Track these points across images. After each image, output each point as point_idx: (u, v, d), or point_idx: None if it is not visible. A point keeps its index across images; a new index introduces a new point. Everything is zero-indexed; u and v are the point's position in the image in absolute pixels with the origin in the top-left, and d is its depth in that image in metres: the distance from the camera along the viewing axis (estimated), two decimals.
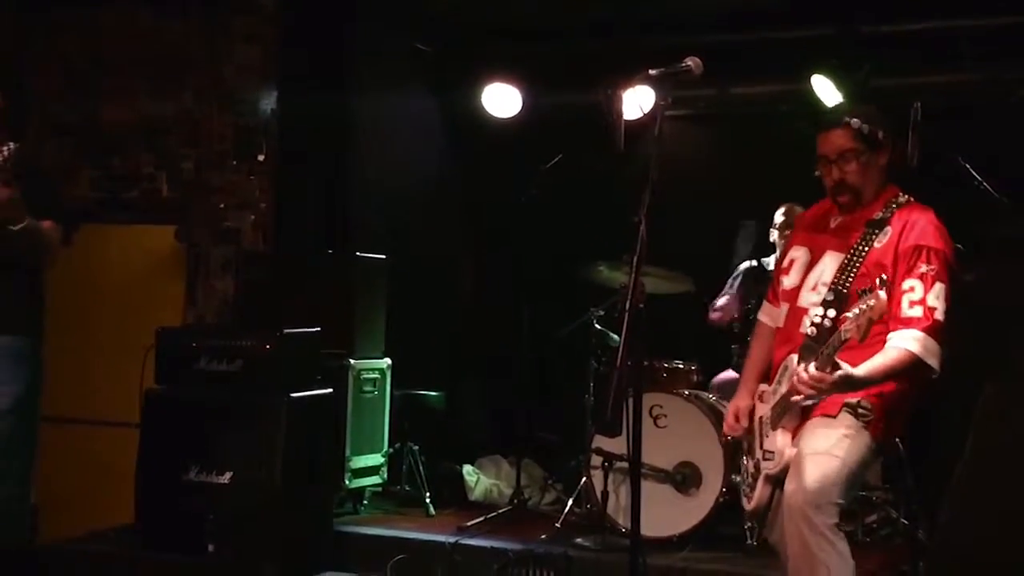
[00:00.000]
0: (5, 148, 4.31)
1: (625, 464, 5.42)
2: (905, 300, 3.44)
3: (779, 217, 6.12)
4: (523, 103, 6.99)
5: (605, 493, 5.45)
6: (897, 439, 5.65)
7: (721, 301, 6.26)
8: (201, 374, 5.34)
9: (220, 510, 5.12)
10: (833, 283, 3.56)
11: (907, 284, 3.45)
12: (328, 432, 5.64)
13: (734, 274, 6.37)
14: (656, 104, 3.24)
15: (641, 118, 6.52)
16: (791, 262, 3.82)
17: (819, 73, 6.44)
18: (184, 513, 5.17)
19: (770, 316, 3.98)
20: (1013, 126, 6.08)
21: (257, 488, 5.11)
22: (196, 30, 6.75)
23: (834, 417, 3.55)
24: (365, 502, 6.20)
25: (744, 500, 3.85)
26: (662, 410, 5.47)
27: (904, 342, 3.42)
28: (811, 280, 3.67)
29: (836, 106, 3.71)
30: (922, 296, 3.43)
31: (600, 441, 5.50)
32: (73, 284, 6.34)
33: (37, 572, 5.06)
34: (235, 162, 6.71)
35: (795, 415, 3.61)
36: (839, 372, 3.32)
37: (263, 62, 6.65)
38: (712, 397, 5.72)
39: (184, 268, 6.80)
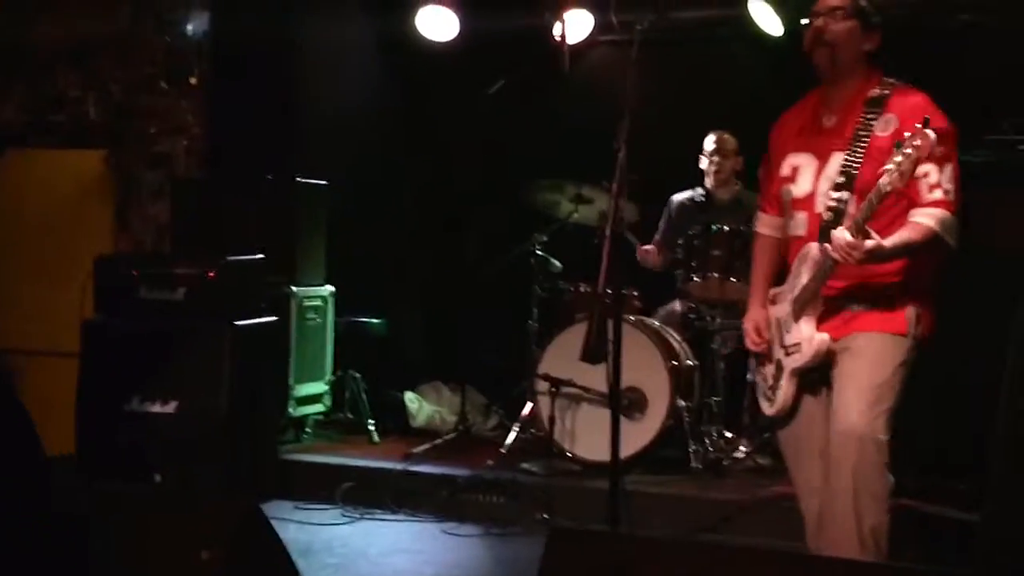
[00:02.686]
0: None
1: (571, 389, 5.47)
2: (923, 185, 3.45)
3: (709, 144, 6.11)
4: (460, 27, 6.88)
5: (552, 418, 5.47)
6: None
7: (646, 247, 6.21)
8: (142, 303, 5.26)
9: (165, 439, 5.07)
10: (842, 169, 3.55)
11: (920, 169, 3.38)
12: (273, 360, 5.59)
13: (666, 207, 6.34)
14: (633, 29, 3.15)
15: (580, 42, 6.51)
16: (794, 169, 3.73)
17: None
18: (127, 443, 5.11)
19: (771, 227, 3.92)
20: (952, 53, 6.10)
21: (202, 417, 5.07)
22: None
23: (903, 337, 3.55)
24: (308, 430, 6.17)
25: (765, 404, 3.81)
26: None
27: (927, 219, 3.44)
28: (823, 185, 3.62)
29: None
30: (937, 180, 3.45)
31: (546, 366, 5.53)
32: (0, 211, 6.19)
33: None
34: (166, 85, 6.54)
35: (819, 302, 3.59)
36: (870, 242, 3.33)
37: None
38: (656, 324, 5.75)
39: (114, 194, 6.65)
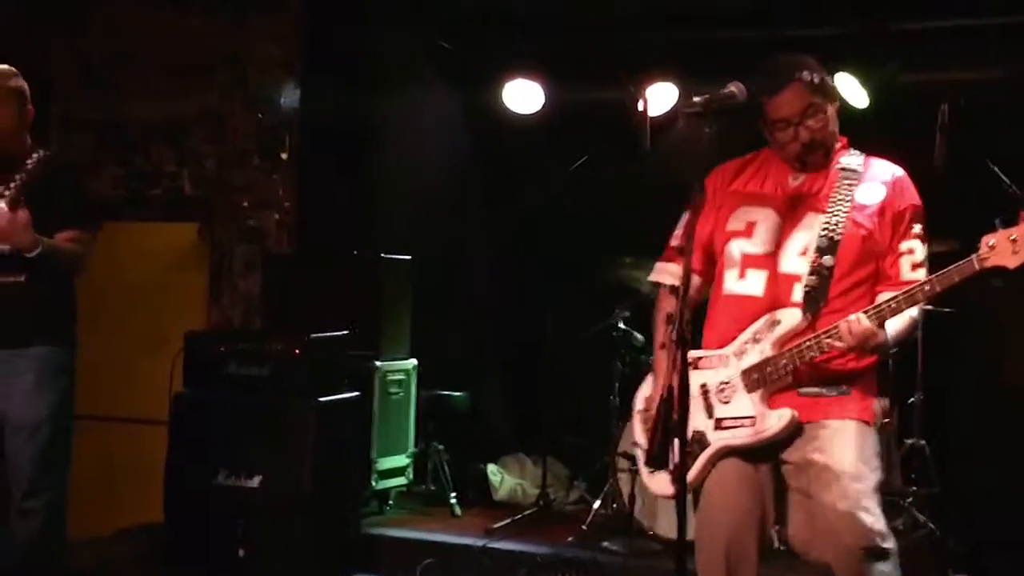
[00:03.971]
0: (30, 160, 4.33)
1: None
2: (906, 262, 3.38)
3: None
4: (545, 99, 6.95)
5: (632, 496, 5.46)
6: (923, 442, 5.71)
7: None
8: (230, 378, 5.37)
9: (249, 514, 5.15)
10: (823, 233, 3.37)
11: (905, 245, 3.38)
12: (356, 435, 5.66)
13: None
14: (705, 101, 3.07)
15: (664, 115, 6.53)
16: (750, 224, 3.49)
17: (844, 71, 6.39)
18: (213, 517, 5.20)
19: (676, 276, 3.54)
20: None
21: (286, 492, 5.13)
22: (220, 27, 6.74)
23: (869, 425, 3.37)
24: (391, 502, 6.22)
25: (661, 478, 3.45)
26: None
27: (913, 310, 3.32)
28: (794, 246, 3.42)
29: (772, 64, 3.41)
30: (922, 259, 3.39)
31: (626, 444, 5.52)
32: (96, 282, 6.35)
33: None
34: (258, 160, 6.71)
35: (783, 382, 3.34)
36: (884, 332, 3.23)
37: (287, 60, 6.66)
38: None
39: (207, 266, 6.81)
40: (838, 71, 6.32)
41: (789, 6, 6.62)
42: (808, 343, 3.30)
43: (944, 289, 3.18)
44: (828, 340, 3.25)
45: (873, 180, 3.45)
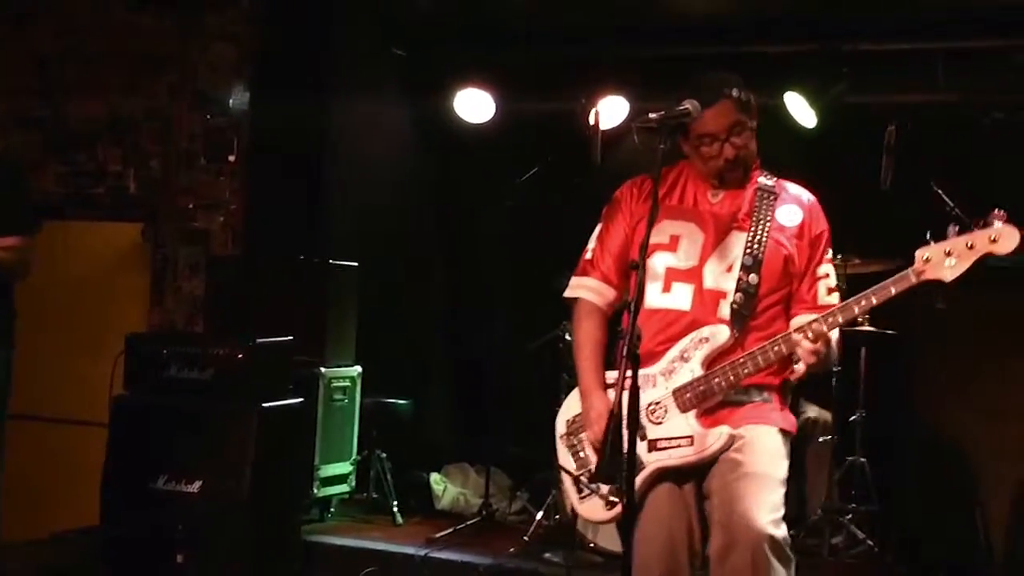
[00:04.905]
0: None
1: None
2: (822, 286, 3.44)
3: None
4: (496, 109, 6.95)
5: (574, 509, 5.43)
6: (864, 460, 5.76)
7: None
8: (171, 381, 5.29)
9: (188, 520, 5.08)
10: (747, 251, 3.39)
11: (822, 270, 3.44)
12: (298, 442, 5.61)
13: None
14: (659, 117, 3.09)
15: (615, 129, 6.55)
16: (673, 238, 3.48)
17: (793, 90, 6.45)
18: (151, 520, 5.13)
19: (598, 293, 3.65)
20: (985, 149, 6.13)
21: (226, 498, 5.06)
22: (170, 26, 6.67)
23: (786, 436, 3.41)
24: (332, 509, 6.17)
25: (594, 505, 3.48)
26: None
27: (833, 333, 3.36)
28: (719, 264, 3.43)
29: (702, 79, 3.41)
30: (835, 284, 3.47)
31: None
32: (36, 280, 6.25)
33: None
34: (205, 162, 6.64)
35: (715, 400, 3.35)
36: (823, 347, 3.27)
37: (237, 61, 6.60)
38: None
39: (150, 267, 6.73)
40: (787, 90, 6.40)
41: (742, 23, 6.68)
42: (743, 360, 3.31)
43: (881, 302, 3.21)
44: (786, 344, 3.27)
45: (790, 202, 3.49)
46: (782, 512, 3.25)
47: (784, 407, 3.47)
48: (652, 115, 3.12)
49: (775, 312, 3.44)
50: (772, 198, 3.46)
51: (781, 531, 3.19)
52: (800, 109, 6.44)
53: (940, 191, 5.34)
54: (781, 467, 3.34)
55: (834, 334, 3.35)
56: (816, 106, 6.40)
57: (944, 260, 3.13)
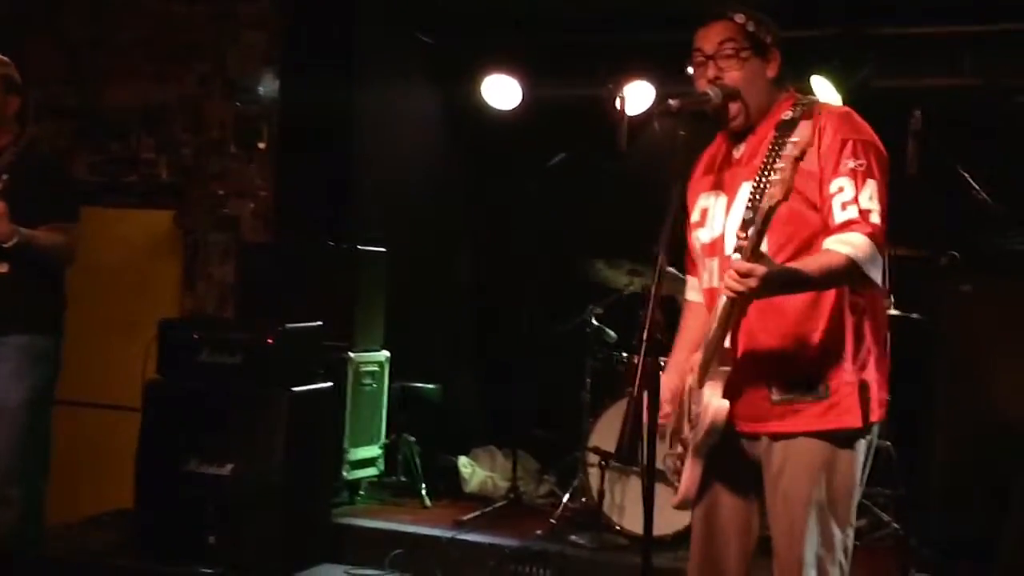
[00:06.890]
0: (10, 151, 4.35)
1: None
2: (836, 203, 2.90)
3: None
4: (523, 95, 6.98)
5: (601, 491, 5.50)
6: (889, 443, 5.77)
7: None
8: (203, 366, 5.38)
9: (220, 502, 5.17)
10: (749, 201, 2.81)
11: (834, 185, 2.91)
12: (328, 425, 5.69)
13: None
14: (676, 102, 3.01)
15: (642, 114, 6.56)
16: (703, 212, 3.19)
17: (818, 74, 6.44)
18: (184, 503, 5.22)
19: (697, 290, 3.33)
20: (1011, 134, 6.12)
21: (258, 481, 5.16)
22: (201, 14, 6.75)
23: (859, 431, 3.00)
24: (361, 492, 6.25)
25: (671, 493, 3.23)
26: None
27: (840, 245, 2.87)
28: (732, 224, 3.03)
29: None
30: (854, 196, 2.89)
31: (597, 439, 5.56)
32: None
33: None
34: (235, 149, 6.72)
35: (723, 355, 2.96)
36: (773, 265, 2.78)
37: (267, 49, 6.67)
38: None
39: (181, 253, 6.82)
40: (813, 74, 6.40)
41: (768, 7, 6.66)
42: (724, 308, 2.90)
43: (779, 201, 2.71)
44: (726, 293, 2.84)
45: (805, 126, 2.76)
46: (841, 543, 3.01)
47: (846, 392, 3.01)
48: (672, 102, 3.06)
49: (788, 253, 2.97)
50: (790, 131, 2.77)
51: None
52: (826, 93, 6.43)
53: (968, 176, 5.36)
54: (839, 489, 3.02)
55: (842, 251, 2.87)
56: (842, 90, 6.39)
57: None
